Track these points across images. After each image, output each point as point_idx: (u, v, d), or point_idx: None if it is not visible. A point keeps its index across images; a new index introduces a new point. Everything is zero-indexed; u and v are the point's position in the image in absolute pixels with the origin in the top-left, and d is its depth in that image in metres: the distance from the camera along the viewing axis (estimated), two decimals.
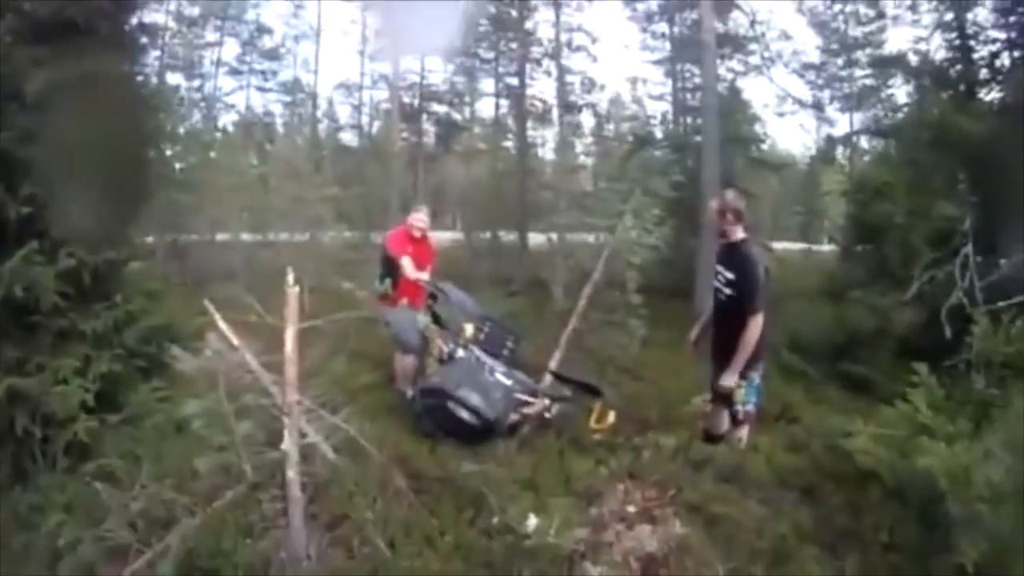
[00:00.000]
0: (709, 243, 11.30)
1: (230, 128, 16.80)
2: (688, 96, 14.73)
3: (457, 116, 18.38)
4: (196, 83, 14.89)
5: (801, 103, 16.50)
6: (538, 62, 15.06)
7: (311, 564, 3.12)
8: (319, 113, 19.37)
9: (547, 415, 4.70)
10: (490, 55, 15.97)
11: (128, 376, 4.72)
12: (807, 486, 4.01)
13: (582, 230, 10.45)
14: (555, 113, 14.63)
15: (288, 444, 3.24)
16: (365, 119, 19.37)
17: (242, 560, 3.07)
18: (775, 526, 3.53)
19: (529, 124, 15.74)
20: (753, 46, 14.72)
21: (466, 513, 3.53)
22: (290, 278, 3.41)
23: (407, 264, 5.27)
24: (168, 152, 13.27)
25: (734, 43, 14.43)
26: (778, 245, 13.70)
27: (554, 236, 12.36)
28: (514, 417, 4.59)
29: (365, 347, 6.43)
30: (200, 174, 12.79)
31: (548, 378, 5.30)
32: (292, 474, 3.23)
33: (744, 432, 4.27)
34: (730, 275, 4.03)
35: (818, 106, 16.89)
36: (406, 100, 18.55)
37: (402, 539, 3.32)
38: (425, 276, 5.37)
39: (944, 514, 3.16)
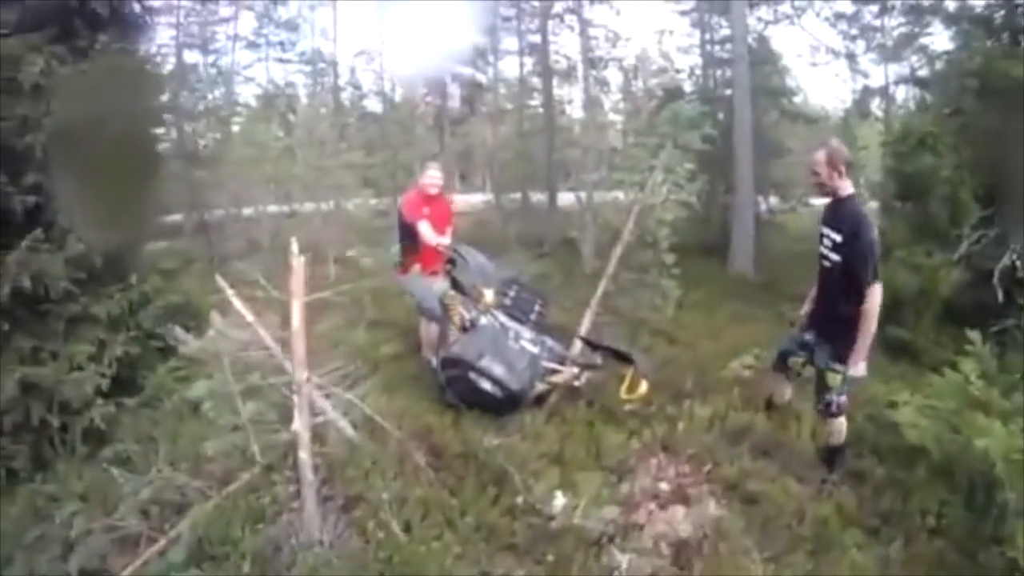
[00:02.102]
0: (743, 199, 10.91)
1: (252, 102, 16.67)
2: (717, 48, 13.88)
3: (481, 77, 17.91)
4: (212, 58, 14.67)
5: (834, 52, 15.56)
6: (560, 18, 14.41)
7: (324, 550, 2.96)
8: (342, 81, 19.12)
9: (576, 384, 4.42)
10: (511, 12, 15.41)
11: (146, 358, 4.69)
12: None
13: (612, 188, 10.09)
14: (580, 69, 14.08)
15: (299, 424, 3.07)
16: (388, 85, 19.05)
17: (249, 547, 2.93)
18: (817, 508, 3.27)
19: (555, 82, 15.23)
20: None
21: (488, 491, 3.32)
22: (294, 248, 3.25)
23: (425, 229, 4.97)
24: (191, 129, 13.16)
25: None
26: (814, 201, 13.09)
27: (583, 195, 11.97)
28: (541, 386, 4.33)
29: (392, 315, 6.28)
30: (224, 149, 12.75)
31: (578, 344, 5.04)
32: (304, 455, 3.08)
33: (839, 424, 3.59)
34: (837, 237, 3.35)
35: (851, 56, 15.87)
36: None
37: (419, 521, 3.14)
38: (445, 240, 5.00)
39: (997, 501, 2.90)
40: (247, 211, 12.34)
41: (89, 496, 3.61)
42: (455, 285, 4.70)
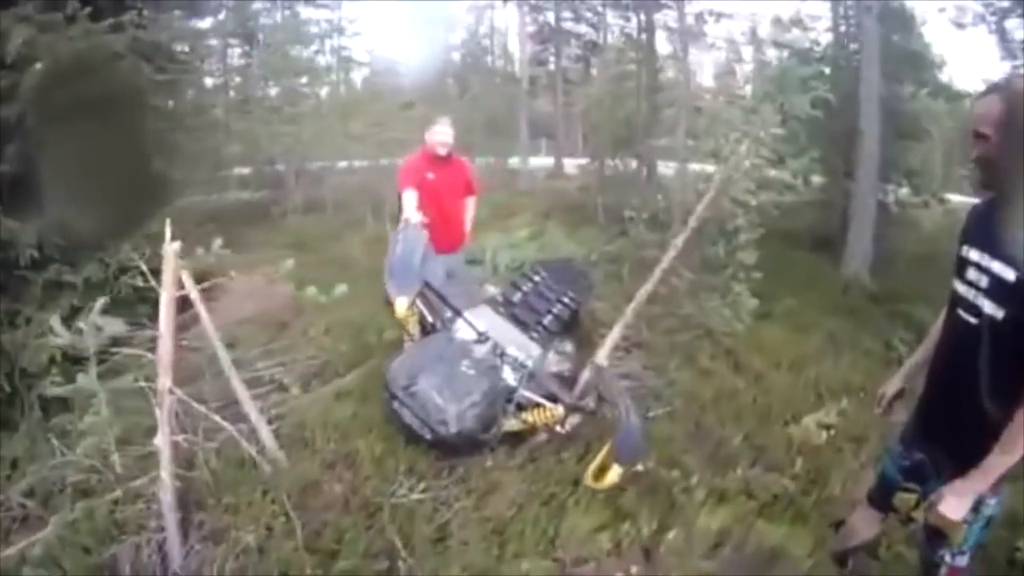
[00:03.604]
0: (865, 185, 8.77)
1: (365, 57, 16.59)
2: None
3: (596, 36, 16.54)
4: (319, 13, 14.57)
5: (983, 17, 12.25)
6: None
7: None
8: (457, 38, 18.64)
9: (560, 429, 3.31)
10: None
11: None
12: None
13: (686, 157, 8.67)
14: (680, 22, 12.21)
15: (160, 439, 2.68)
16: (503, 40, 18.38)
17: (73, 567, 2.57)
18: None
19: (681, 44, 13.54)
20: None
21: (372, 568, 2.53)
22: (168, 233, 2.65)
23: (407, 200, 4.09)
24: (304, 82, 13.31)
25: None
26: (952, 197, 10.48)
27: (669, 164, 10.46)
28: (513, 424, 3.29)
29: None
30: (328, 102, 12.77)
31: (588, 369, 3.85)
32: (165, 474, 2.67)
33: None
34: (1007, 273, 1.69)
35: (1001, 28, 12.35)
36: (547, 19, 17.24)
37: None
38: (416, 216, 3.83)
39: None
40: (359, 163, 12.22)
41: (20, 464, 3.47)
42: None
